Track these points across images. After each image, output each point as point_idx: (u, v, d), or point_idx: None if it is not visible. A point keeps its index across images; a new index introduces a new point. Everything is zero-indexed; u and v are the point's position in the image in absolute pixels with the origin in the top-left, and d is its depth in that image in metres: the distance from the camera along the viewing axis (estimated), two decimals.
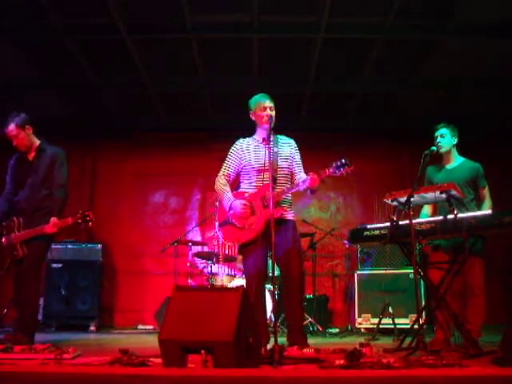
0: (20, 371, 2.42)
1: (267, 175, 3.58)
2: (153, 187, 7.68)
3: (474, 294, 3.86)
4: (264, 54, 5.63)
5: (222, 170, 3.94)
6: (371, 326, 5.71)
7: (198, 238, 7.32)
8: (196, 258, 6.72)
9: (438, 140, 4.07)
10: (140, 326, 6.89)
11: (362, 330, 5.88)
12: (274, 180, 3.71)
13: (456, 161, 4.15)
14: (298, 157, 3.96)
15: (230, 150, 3.97)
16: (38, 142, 4.27)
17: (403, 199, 3.58)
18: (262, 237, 3.61)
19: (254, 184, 3.80)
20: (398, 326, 5.34)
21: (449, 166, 4.16)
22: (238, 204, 3.73)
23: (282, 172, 3.83)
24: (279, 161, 3.82)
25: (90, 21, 5.12)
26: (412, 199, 3.50)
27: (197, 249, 6.76)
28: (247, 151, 3.89)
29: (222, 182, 3.89)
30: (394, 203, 3.72)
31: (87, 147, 7.67)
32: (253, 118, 3.92)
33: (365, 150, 7.43)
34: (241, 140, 3.99)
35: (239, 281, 5.87)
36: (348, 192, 7.55)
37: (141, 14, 5.00)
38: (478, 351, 3.23)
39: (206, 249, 7.00)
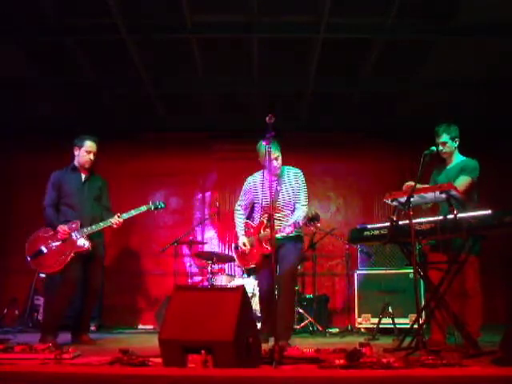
0: (20, 371, 2.42)
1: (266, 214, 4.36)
2: (153, 187, 7.66)
3: (469, 296, 3.86)
4: (264, 53, 5.63)
5: (239, 201, 4.67)
6: (371, 326, 5.71)
7: (198, 238, 7.32)
8: (196, 258, 6.71)
9: (440, 148, 4.09)
10: (140, 326, 6.89)
11: (362, 329, 5.88)
12: (270, 217, 4.08)
13: (456, 161, 4.16)
14: (301, 187, 4.43)
15: (244, 185, 4.63)
16: None
17: (403, 199, 3.58)
18: (266, 258, 4.24)
19: (257, 220, 4.44)
20: (397, 326, 5.34)
21: (449, 167, 4.18)
22: (239, 243, 4.48)
23: (284, 207, 4.37)
24: (280, 198, 4.36)
25: (90, 21, 5.12)
26: (412, 199, 3.50)
27: (197, 249, 6.76)
28: (255, 189, 4.50)
29: (238, 212, 4.63)
30: (394, 203, 3.72)
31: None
32: (261, 162, 4.37)
33: (365, 150, 7.44)
34: (252, 176, 4.59)
35: (239, 281, 5.87)
36: (348, 192, 7.54)
37: (141, 13, 5.00)
38: (478, 351, 3.23)
39: (206, 249, 7.00)
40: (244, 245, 4.43)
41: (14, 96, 6.55)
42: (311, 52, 5.56)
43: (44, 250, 4.48)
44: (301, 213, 4.31)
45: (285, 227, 4.22)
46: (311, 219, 4.11)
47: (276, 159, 4.31)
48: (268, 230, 4.22)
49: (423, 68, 5.90)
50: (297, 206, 4.39)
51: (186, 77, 6.23)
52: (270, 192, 3.59)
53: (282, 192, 4.38)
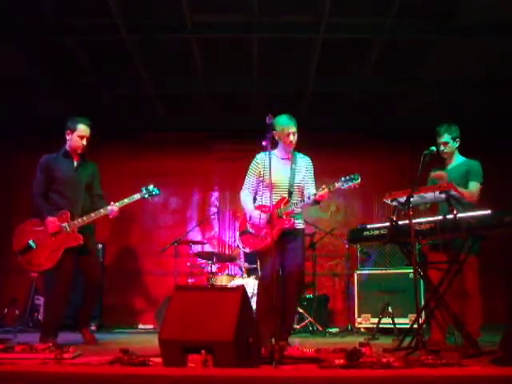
0: (20, 371, 2.42)
1: (283, 190, 4.16)
2: None
3: (468, 296, 3.87)
4: (264, 53, 5.63)
5: (245, 184, 4.33)
6: (371, 326, 5.71)
7: (198, 238, 7.32)
8: (196, 258, 6.72)
9: (441, 148, 4.10)
10: (140, 326, 6.89)
11: (362, 329, 5.88)
12: (290, 194, 4.17)
13: (456, 161, 4.17)
14: (311, 174, 4.34)
15: (252, 165, 4.30)
16: None
17: (403, 199, 3.58)
18: (276, 243, 3.88)
19: (273, 197, 4.04)
20: (397, 326, 5.34)
21: (449, 167, 4.18)
22: (255, 215, 4.15)
23: (297, 186, 4.21)
24: (296, 177, 4.21)
25: (90, 21, 5.12)
26: (411, 199, 3.50)
27: (197, 249, 6.76)
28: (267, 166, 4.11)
29: (245, 195, 4.31)
30: (394, 203, 3.72)
31: (87, 147, 7.64)
32: (275, 137, 4.12)
33: (365, 150, 7.44)
34: (262, 155, 4.25)
35: (239, 281, 5.87)
36: (348, 192, 7.50)
37: (141, 13, 5.00)
38: (478, 351, 3.23)
39: (206, 249, 7.00)
40: (259, 216, 4.10)
41: (14, 96, 6.55)
42: (311, 52, 5.56)
43: (33, 244, 4.24)
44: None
45: (315, 194, 4.02)
46: (350, 179, 3.92)
47: (293, 134, 4.16)
48: (288, 204, 4.08)
49: (423, 68, 5.90)
50: (310, 189, 4.24)
51: (185, 77, 6.23)
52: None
53: (297, 171, 4.24)
